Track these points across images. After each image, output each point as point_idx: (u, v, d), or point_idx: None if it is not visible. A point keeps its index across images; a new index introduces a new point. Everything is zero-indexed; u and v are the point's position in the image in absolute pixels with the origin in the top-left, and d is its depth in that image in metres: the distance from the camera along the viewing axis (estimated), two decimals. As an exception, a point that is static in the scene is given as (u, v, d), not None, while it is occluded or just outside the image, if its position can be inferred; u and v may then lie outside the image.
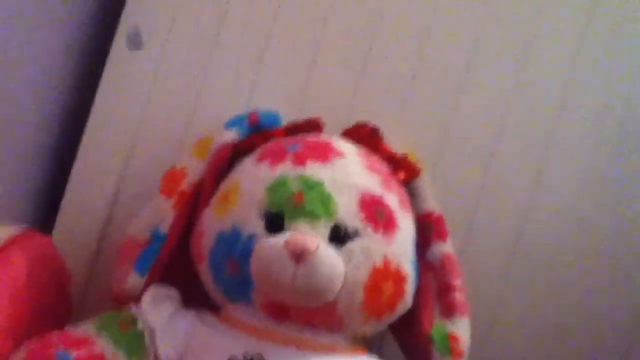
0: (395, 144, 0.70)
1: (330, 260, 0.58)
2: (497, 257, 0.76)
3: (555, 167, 0.76)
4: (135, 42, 0.74)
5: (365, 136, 0.69)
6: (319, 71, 0.76)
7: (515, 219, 0.76)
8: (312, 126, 0.69)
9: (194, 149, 0.68)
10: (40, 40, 0.70)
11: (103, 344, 0.57)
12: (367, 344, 0.66)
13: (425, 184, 0.69)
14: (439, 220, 0.68)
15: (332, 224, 0.60)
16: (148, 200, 0.67)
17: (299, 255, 0.57)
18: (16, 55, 0.66)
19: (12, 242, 0.60)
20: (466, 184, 0.75)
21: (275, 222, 0.60)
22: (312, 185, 0.61)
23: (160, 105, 0.76)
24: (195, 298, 0.64)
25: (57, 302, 0.66)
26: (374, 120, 0.70)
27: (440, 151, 0.75)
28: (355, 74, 0.76)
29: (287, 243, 0.57)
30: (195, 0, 0.76)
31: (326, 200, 0.60)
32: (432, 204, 0.69)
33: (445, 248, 0.67)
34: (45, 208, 0.76)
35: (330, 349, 0.61)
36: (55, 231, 0.74)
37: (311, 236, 0.58)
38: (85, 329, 0.59)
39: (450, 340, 0.64)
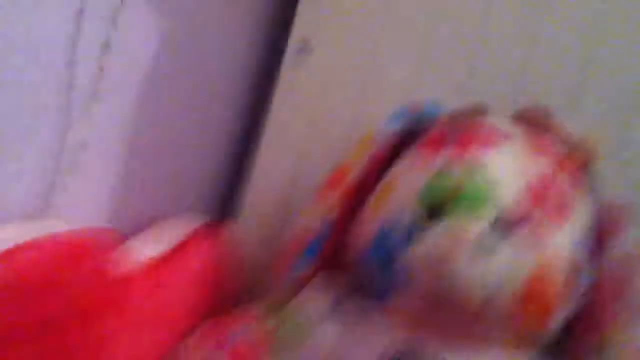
0: (569, 130, 0.65)
1: (468, 276, 0.55)
2: None
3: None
4: (306, 49, 0.81)
5: (536, 118, 0.65)
6: (480, 60, 0.75)
7: None
8: (475, 112, 0.66)
9: (358, 144, 0.71)
10: (221, 57, 0.79)
11: (268, 326, 0.62)
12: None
13: (601, 176, 0.63)
14: (620, 214, 0.62)
15: (496, 212, 0.57)
16: (317, 194, 0.71)
17: (451, 254, 0.55)
18: (205, 67, 0.75)
19: (200, 231, 0.68)
20: None
21: (435, 212, 0.58)
22: (474, 172, 0.58)
23: (331, 107, 0.81)
24: (357, 287, 0.66)
25: (234, 290, 0.74)
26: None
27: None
28: (523, 58, 0.75)
29: (426, 254, 0.56)
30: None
31: (490, 187, 0.57)
32: (611, 195, 0.62)
33: (625, 246, 0.60)
34: (224, 207, 0.85)
35: (489, 345, 0.58)
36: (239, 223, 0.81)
37: (463, 232, 0.56)
38: (254, 311, 0.64)
39: (626, 353, 0.58)
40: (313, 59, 0.81)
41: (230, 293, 0.71)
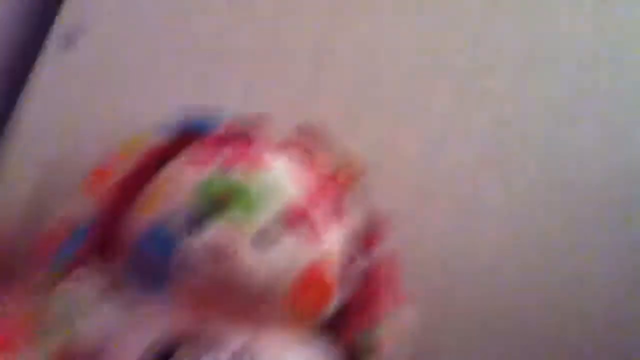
0: (342, 147, 0.71)
1: (250, 264, 0.59)
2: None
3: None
4: (69, 41, 0.74)
5: (304, 142, 0.70)
6: (265, 71, 0.79)
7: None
8: (247, 132, 0.69)
9: (122, 149, 0.68)
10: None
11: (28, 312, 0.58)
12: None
13: (368, 188, 0.70)
14: (378, 226, 0.69)
15: (255, 229, 0.60)
16: (71, 196, 0.66)
17: (219, 256, 0.58)
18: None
19: None
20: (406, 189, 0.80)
21: (216, 206, 0.61)
22: (236, 191, 0.62)
23: (96, 105, 0.76)
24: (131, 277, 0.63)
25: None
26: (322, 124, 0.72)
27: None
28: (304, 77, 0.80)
29: (207, 243, 0.58)
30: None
31: (250, 207, 0.61)
32: (372, 209, 0.69)
33: (381, 253, 0.68)
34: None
35: (271, 329, 0.61)
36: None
37: (231, 237, 0.59)
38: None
39: (377, 347, 0.65)
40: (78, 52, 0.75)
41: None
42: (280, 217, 0.62)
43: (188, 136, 0.69)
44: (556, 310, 0.81)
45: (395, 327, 0.66)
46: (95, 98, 0.75)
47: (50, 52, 0.75)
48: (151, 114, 0.71)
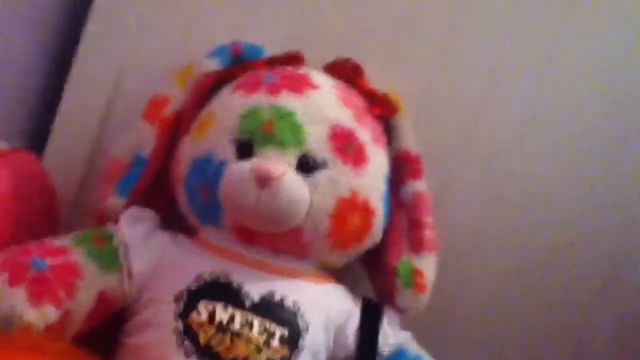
0: (379, 83, 0.71)
1: (294, 187, 0.60)
2: (475, 201, 0.78)
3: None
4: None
5: (345, 71, 0.70)
6: (312, 10, 0.78)
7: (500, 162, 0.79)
8: (293, 59, 0.70)
9: (176, 77, 0.70)
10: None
11: (79, 255, 0.60)
12: (343, 278, 0.68)
13: (405, 123, 0.70)
14: (416, 159, 0.69)
15: (300, 153, 0.62)
16: (131, 124, 0.69)
17: (263, 180, 0.59)
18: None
19: (-5, 156, 0.62)
20: (450, 129, 0.78)
21: (245, 149, 0.62)
22: (283, 115, 0.63)
23: (152, 31, 0.77)
24: (174, 222, 0.67)
25: (43, 218, 0.69)
26: (361, 59, 0.71)
27: (429, 97, 0.77)
28: (345, 14, 0.78)
29: (252, 168, 0.60)
30: None
31: (296, 130, 0.62)
32: (409, 143, 0.70)
33: (418, 186, 0.69)
34: (38, 132, 0.79)
35: (295, 274, 0.64)
36: (46, 153, 0.76)
37: (277, 163, 0.60)
38: (62, 240, 0.62)
39: (414, 275, 0.66)
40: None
41: (37, 223, 0.66)
42: (327, 139, 0.62)
43: (238, 62, 0.71)
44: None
45: (427, 263, 0.67)
46: (150, 26, 0.77)
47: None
48: (203, 42, 0.73)
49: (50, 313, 0.56)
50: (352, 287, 0.68)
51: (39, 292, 0.56)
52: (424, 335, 0.68)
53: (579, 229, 0.79)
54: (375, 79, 0.71)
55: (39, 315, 0.55)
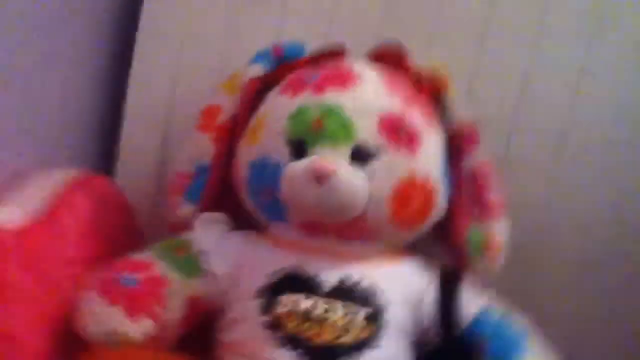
0: (424, 60, 0.71)
1: (350, 179, 0.63)
2: (542, 161, 0.80)
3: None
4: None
5: (390, 55, 0.71)
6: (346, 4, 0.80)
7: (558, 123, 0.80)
8: (335, 53, 0.72)
9: (225, 86, 0.73)
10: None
11: (163, 267, 0.64)
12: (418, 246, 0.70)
13: (455, 97, 0.71)
14: (470, 130, 0.70)
15: (352, 145, 0.64)
16: (188, 138, 0.73)
17: (320, 177, 0.62)
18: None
19: (73, 184, 0.67)
20: (505, 95, 0.80)
21: (299, 149, 0.65)
22: (331, 111, 0.65)
23: (197, 47, 0.81)
24: (244, 221, 0.71)
25: (124, 235, 0.74)
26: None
27: (476, 65, 0.79)
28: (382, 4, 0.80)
29: (307, 167, 0.62)
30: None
31: (345, 124, 0.64)
32: (463, 115, 0.70)
33: (478, 156, 0.70)
34: (105, 155, 0.84)
35: (367, 258, 0.66)
36: (117, 174, 0.81)
37: (330, 158, 0.63)
38: (146, 255, 0.66)
39: (486, 240, 0.68)
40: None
41: (121, 242, 0.71)
42: (377, 128, 0.64)
43: (281, 64, 0.73)
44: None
45: (497, 228, 0.68)
46: (197, 38, 0.81)
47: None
48: (249, 48, 0.75)
49: (147, 325, 0.61)
50: (429, 256, 0.70)
51: (135, 307, 0.61)
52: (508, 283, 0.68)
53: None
54: (421, 57, 0.72)
55: (138, 328, 0.60)
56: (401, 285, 0.66)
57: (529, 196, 0.79)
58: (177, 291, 0.64)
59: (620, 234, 0.80)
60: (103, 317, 0.60)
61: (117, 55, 0.84)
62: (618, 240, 0.80)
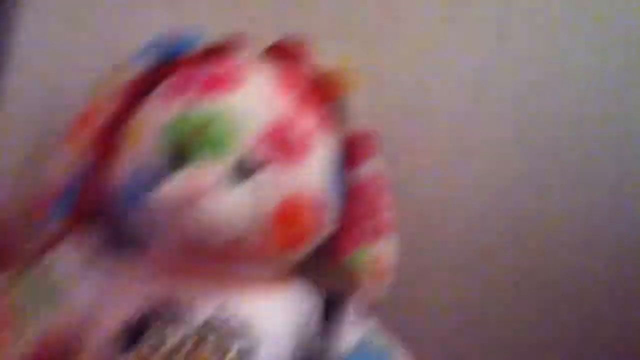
0: (329, 58, 0.64)
1: (227, 197, 0.55)
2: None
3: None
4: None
5: (288, 51, 0.64)
6: None
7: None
8: (228, 48, 0.64)
9: (100, 88, 0.64)
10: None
11: (12, 297, 0.57)
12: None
13: (356, 99, 0.64)
14: (367, 137, 0.64)
15: (235, 158, 0.57)
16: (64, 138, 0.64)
17: (193, 196, 0.54)
18: None
19: None
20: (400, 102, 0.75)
21: (177, 160, 0.57)
22: (214, 118, 0.57)
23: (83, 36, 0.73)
24: (116, 241, 0.63)
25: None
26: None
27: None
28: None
29: (180, 185, 0.55)
30: None
31: (228, 133, 0.57)
32: (362, 122, 0.64)
33: (372, 166, 0.64)
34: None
35: (247, 282, 0.60)
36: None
37: (207, 173, 0.55)
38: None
39: (372, 263, 0.63)
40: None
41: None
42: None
43: (169, 58, 0.63)
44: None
45: (386, 248, 0.63)
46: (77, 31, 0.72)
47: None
48: (132, 41, 0.66)
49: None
50: (314, 279, 0.64)
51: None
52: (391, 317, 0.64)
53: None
54: (329, 54, 0.65)
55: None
56: (283, 314, 0.60)
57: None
58: (25, 327, 0.56)
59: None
60: None
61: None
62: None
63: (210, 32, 0.65)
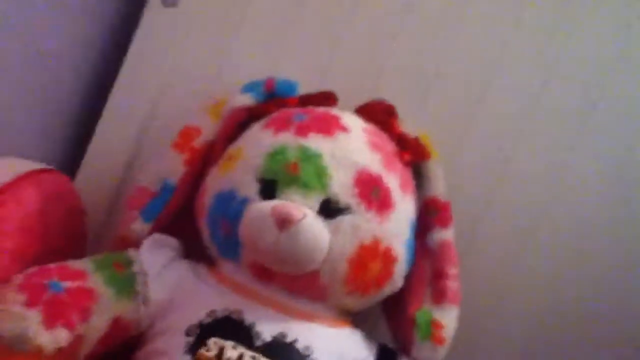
0: (412, 126, 0.70)
1: (314, 232, 0.59)
2: (504, 252, 0.76)
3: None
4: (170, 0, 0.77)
5: (378, 113, 0.70)
6: (345, 47, 0.78)
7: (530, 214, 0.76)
8: (325, 99, 0.70)
9: (209, 109, 0.71)
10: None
11: (96, 280, 0.61)
12: (361, 320, 0.67)
13: (436, 169, 0.69)
14: (445, 206, 0.68)
15: (324, 197, 0.61)
16: (160, 153, 0.70)
17: (283, 223, 0.58)
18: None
19: (25, 176, 0.63)
20: (481, 177, 0.76)
21: (269, 189, 0.62)
22: (309, 156, 0.62)
23: (189, 63, 0.79)
24: (195, 251, 0.68)
25: (70, 238, 0.70)
26: (394, 102, 0.71)
27: (459, 142, 0.76)
28: (380, 56, 0.78)
29: (273, 209, 0.59)
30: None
31: (321, 173, 0.62)
32: (440, 190, 0.68)
33: (445, 235, 0.67)
34: (73, 155, 0.81)
35: (310, 317, 0.63)
36: (79, 174, 0.78)
37: (299, 206, 0.60)
38: (82, 264, 0.62)
39: (433, 326, 0.64)
40: (178, 10, 0.79)
41: (63, 243, 0.68)
42: (352, 184, 0.62)
43: (271, 98, 0.71)
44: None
45: (448, 316, 0.65)
46: (190, 56, 0.79)
47: (153, 8, 0.79)
48: (239, 75, 0.74)
49: (62, 337, 0.56)
50: (370, 332, 0.67)
51: (53, 315, 0.56)
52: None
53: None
54: (410, 122, 0.70)
55: (51, 339, 0.56)
56: (338, 355, 0.62)
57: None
58: (105, 308, 0.59)
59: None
60: (17, 317, 0.55)
61: (108, 60, 0.82)
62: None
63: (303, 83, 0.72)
